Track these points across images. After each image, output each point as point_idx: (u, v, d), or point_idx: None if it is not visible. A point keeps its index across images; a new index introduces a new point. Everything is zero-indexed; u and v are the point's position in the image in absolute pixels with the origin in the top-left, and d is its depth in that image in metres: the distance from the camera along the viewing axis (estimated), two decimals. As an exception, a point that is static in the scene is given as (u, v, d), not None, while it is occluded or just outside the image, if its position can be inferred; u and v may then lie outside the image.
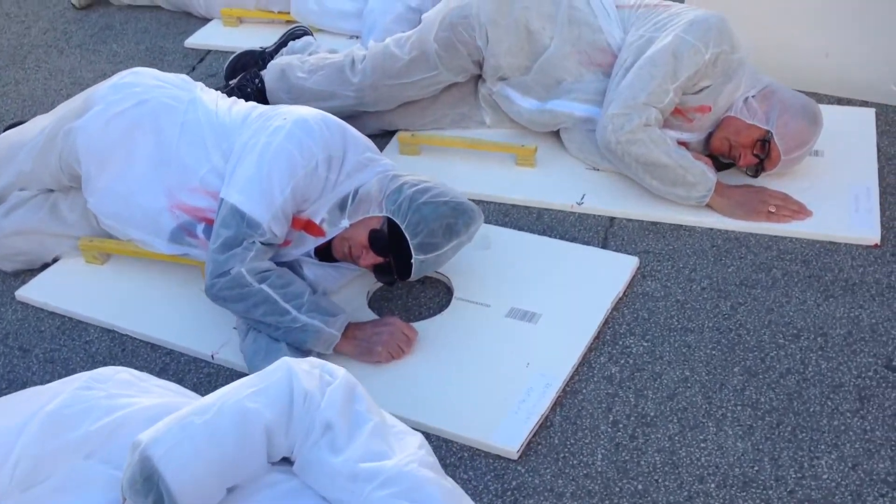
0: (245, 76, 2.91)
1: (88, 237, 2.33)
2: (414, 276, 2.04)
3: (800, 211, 2.33)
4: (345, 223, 2.05)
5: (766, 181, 2.41)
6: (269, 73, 2.83)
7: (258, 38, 3.35)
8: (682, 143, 2.43)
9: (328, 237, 2.08)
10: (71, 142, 2.22)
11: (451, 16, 2.59)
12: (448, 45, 2.59)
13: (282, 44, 3.11)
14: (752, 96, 2.39)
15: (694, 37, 2.32)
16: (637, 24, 2.48)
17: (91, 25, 3.69)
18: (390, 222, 1.98)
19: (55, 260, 2.39)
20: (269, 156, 1.97)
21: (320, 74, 2.73)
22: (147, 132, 2.17)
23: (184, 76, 2.33)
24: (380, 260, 2.02)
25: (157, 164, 2.15)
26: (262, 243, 1.96)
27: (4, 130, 2.81)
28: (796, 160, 2.38)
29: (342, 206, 2.06)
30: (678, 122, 2.43)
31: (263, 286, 1.94)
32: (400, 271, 2.02)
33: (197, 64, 3.37)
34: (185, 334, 2.11)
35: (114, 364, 2.07)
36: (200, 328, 2.11)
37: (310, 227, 2.07)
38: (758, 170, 2.39)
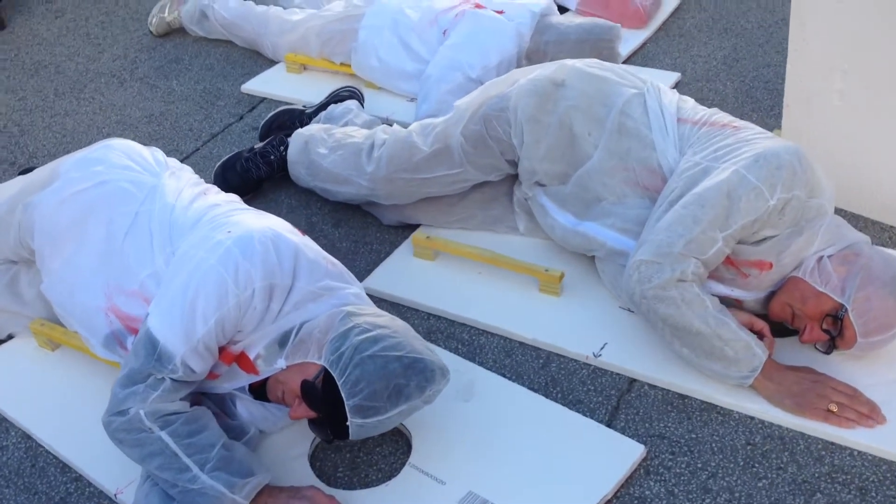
0: (272, 141, 2.64)
1: (41, 320, 2.11)
2: (355, 438, 1.69)
3: (869, 415, 1.81)
4: (281, 363, 1.72)
5: (838, 362, 1.91)
6: (294, 143, 2.55)
7: (319, 88, 3.09)
8: (734, 300, 1.97)
9: (262, 376, 1.76)
10: (28, 216, 2.01)
11: (486, 107, 2.22)
12: (478, 141, 2.22)
13: (322, 106, 2.82)
14: (830, 256, 1.89)
15: (757, 176, 1.85)
16: (696, 147, 2.02)
17: (161, 56, 3.53)
18: (327, 374, 1.64)
19: (10, 337, 2.18)
20: (199, 277, 1.66)
21: (339, 154, 2.41)
22: (100, 220, 1.92)
23: (158, 154, 2.06)
24: (313, 414, 1.68)
25: (102, 257, 1.90)
26: (174, 380, 1.66)
27: (20, 174, 2.66)
28: (878, 345, 1.87)
29: (282, 342, 1.73)
30: (730, 275, 1.96)
31: (163, 434, 1.64)
32: (335, 432, 1.67)
33: (246, 113, 3.12)
34: (98, 461, 1.84)
35: (16, 483, 1.83)
36: (116, 455, 1.83)
37: (243, 361, 1.75)
38: (830, 346, 1.89)
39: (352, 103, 2.77)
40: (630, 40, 3.42)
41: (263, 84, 3.26)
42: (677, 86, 3.13)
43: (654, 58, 3.34)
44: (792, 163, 1.86)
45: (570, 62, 2.24)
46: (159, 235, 1.83)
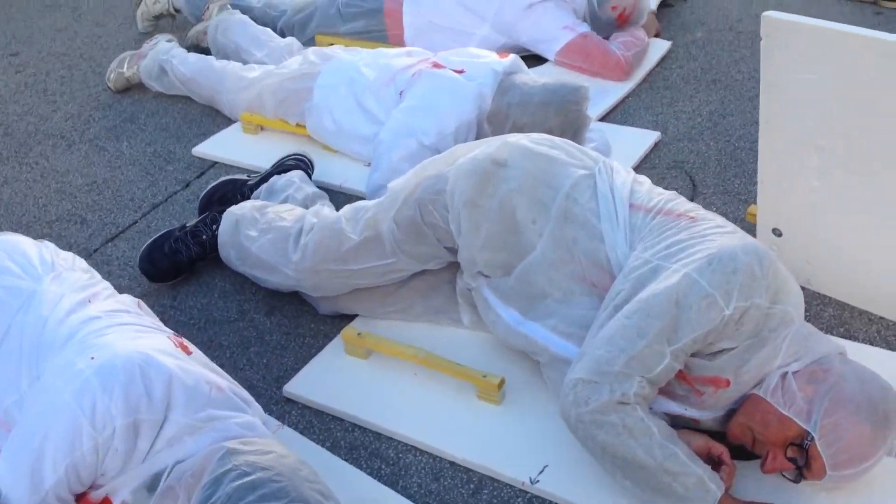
0: (205, 219, 2.44)
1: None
2: None
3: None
4: (150, 511, 1.50)
5: (811, 492, 1.66)
6: (224, 223, 2.35)
7: (274, 152, 2.89)
8: (690, 419, 1.72)
9: (129, 524, 1.54)
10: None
11: (421, 190, 2.00)
12: (411, 228, 2.00)
13: (266, 176, 2.61)
14: (795, 372, 1.64)
15: (710, 281, 1.61)
16: (647, 240, 1.78)
17: (116, 114, 3.36)
18: (199, 528, 1.42)
19: None
20: (50, 415, 1.45)
21: (267, 239, 2.20)
22: (-27, 330, 1.72)
23: (46, 252, 1.86)
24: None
25: (-26, 374, 1.69)
26: (23, 533, 1.45)
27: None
28: (851, 478, 1.61)
29: (152, 486, 1.51)
30: (683, 392, 1.71)
31: None
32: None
33: (194, 179, 2.93)
34: None
35: None
36: None
37: (107, 507, 1.54)
38: (798, 475, 1.64)
39: (295, 175, 2.56)
40: (612, 93, 3.20)
41: (215, 147, 3.07)
42: (657, 146, 2.90)
43: (635, 113, 3.10)
44: (750, 266, 1.62)
45: (514, 139, 2.02)
46: (28, 355, 1.63)
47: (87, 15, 4.32)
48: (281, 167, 2.64)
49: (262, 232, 2.22)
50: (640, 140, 2.90)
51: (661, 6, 3.85)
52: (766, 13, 1.89)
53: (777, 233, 2.19)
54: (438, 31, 3.47)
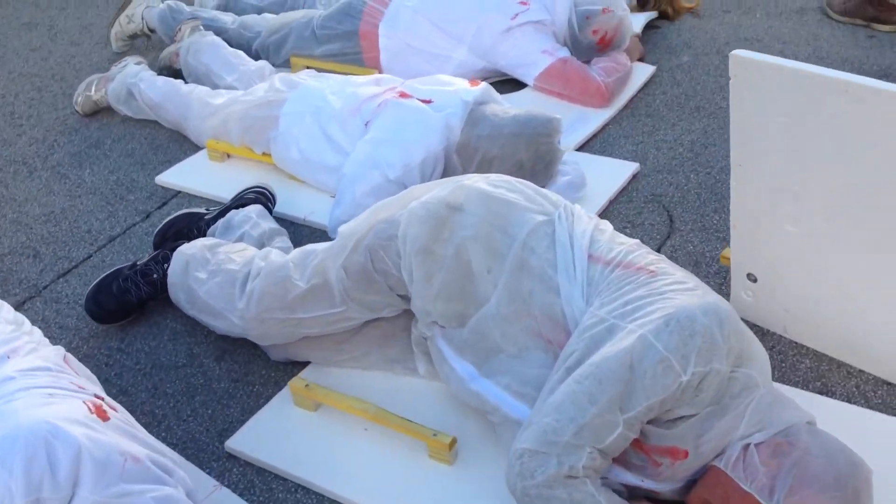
0: (157, 257, 2.34)
1: None
2: None
3: None
4: None
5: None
6: (175, 263, 2.24)
7: (240, 181, 2.80)
8: (648, 490, 1.61)
9: None
10: None
11: (372, 234, 1.89)
12: (361, 275, 1.89)
13: (224, 210, 2.51)
14: (758, 444, 1.52)
15: (666, 344, 1.50)
16: (604, 296, 1.67)
17: (82, 140, 3.26)
18: None
19: None
20: (-52, 491, 1.34)
21: (215, 282, 2.10)
22: None
23: None
24: None
25: None
26: None
27: None
28: (817, 558, 1.49)
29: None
30: (639, 461, 1.60)
31: None
32: None
33: (155, 210, 2.83)
34: None
35: None
36: None
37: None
38: (763, 554, 1.52)
39: (253, 210, 2.45)
40: (591, 120, 3.09)
41: (179, 176, 2.97)
42: (635, 178, 2.79)
43: (615, 142, 3.00)
44: (710, 328, 1.51)
45: (470, 181, 1.91)
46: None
47: (63, 34, 4.23)
48: (240, 201, 2.53)
49: (211, 274, 2.12)
50: (618, 171, 2.79)
51: (647, 28, 3.75)
52: (734, 52, 1.78)
53: (752, 278, 2.08)
54: (415, 53, 3.37)
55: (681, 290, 1.61)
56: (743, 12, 3.91)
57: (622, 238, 1.80)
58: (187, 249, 2.22)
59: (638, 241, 1.81)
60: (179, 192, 2.91)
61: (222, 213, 2.48)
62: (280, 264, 1.99)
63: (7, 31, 4.33)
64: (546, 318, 1.72)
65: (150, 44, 3.93)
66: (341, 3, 3.48)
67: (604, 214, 2.61)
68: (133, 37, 3.89)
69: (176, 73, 3.48)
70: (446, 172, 2.59)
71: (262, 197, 2.55)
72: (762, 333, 2.12)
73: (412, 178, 2.47)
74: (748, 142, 1.87)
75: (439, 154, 2.52)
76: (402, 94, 2.62)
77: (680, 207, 2.63)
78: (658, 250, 2.45)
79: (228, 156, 2.99)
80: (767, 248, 1.99)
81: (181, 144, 3.16)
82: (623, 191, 2.73)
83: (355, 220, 1.97)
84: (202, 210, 2.55)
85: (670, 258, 2.39)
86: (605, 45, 3.29)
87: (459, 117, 2.55)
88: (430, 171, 2.52)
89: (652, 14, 3.81)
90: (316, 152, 2.72)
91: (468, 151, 2.53)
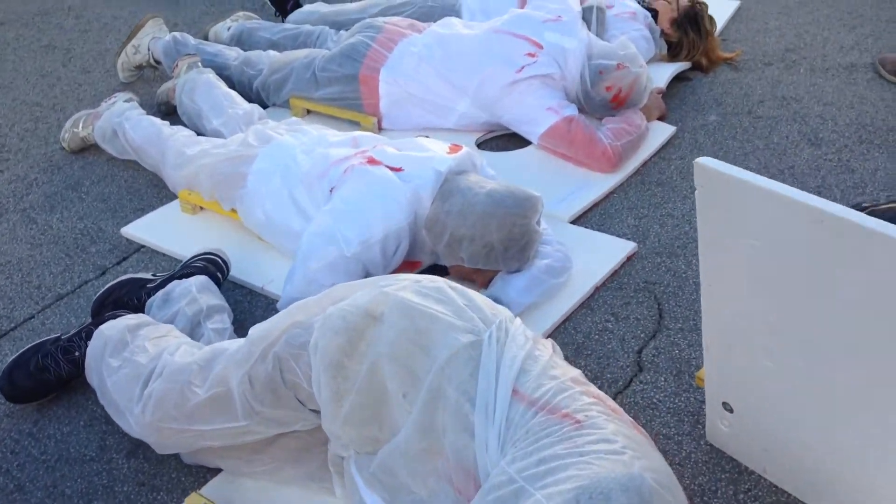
0: (81, 332, 2.16)
1: None
2: None
3: None
4: None
5: None
6: (93, 344, 2.05)
7: (209, 237, 2.63)
8: None
9: None
10: None
11: (283, 341, 1.67)
12: (267, 388, 1.67)
13: (169, 279, 2.32)
14: None
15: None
16: (519, 446, 1.40)
17: (62, 179, 3.12)
18: None
19: None
20: None
21: (123, 374, 1.90)
22: None
23: None
24: None
25: None
26: None
27: None
28: None
29: None
30: None
31: None
32: None
33: (113, 266, 2.65)
34: None
35: None
36: None
37: None
38: None
39: (195, 283, 2.25)
40: (595, 187, 2.83)
41: (147, 228, 2.79)
42: (630, 259, 2.50)
43: (616, 215, 2.72)
44: (623, 514, 1.24)
45: (394, 288, 1.66)
46: None
47: (77, 59, 4.13)
48: (186, 269, 2.34)
49: (122, 363, 1.92)
50: (612, 252, 2.51)
51: (676, 79, 3.45)
52: (698, 160, 1.50)
53: (728, 408, 1.79)
54: (416, 102, 3.15)
55: (604, 452, 1.34)
56: (786, 66, 3.58)
57: (558, 369, 1.54)
58: (107, 330, 2.02)
59: (579, 372, 1.55)
60: (143, 246, 2.73)
61: (167, 282, 2.28)
62: (181, 366, 1.78)
63: (24, 53, 4.25)
64: (457, 463, 1.46)
65: (157, 74, 3.80)
66: (344, 44, 3.29)
67: (586, 303, 2.34)
68: (140, 67, 3.78)
69: (173, 109, 3.34)
70: (414, 248, 2.35)
71: (212, 266, 2.35)
72: (740, 471, 1.83)
73: (372, 254, 2.24)
74: (718, 262, 1.59)
75: (403, 230, 2.28)
76: (371, 160, 2.38)
77: (673, 300, 2.34)
78: (640, 351, 2.17)
79: (201, 208, 2.81)
80: (743, 379, 1.71)
81: (159, 191, 3.00)
82: (613, 275, 2.45)
83: (269, 321, 1.75)
84: (147, 276, 2.36)
85: (652, 362, 2.12)
86: (619, 103, 3.02)
87: (430, 189, 2.31)
88: (394, 248, 2.29)
89: (683, 65, 3.51)
90: (281, 215, 2.51)
91: (437, 228, 2.29)
